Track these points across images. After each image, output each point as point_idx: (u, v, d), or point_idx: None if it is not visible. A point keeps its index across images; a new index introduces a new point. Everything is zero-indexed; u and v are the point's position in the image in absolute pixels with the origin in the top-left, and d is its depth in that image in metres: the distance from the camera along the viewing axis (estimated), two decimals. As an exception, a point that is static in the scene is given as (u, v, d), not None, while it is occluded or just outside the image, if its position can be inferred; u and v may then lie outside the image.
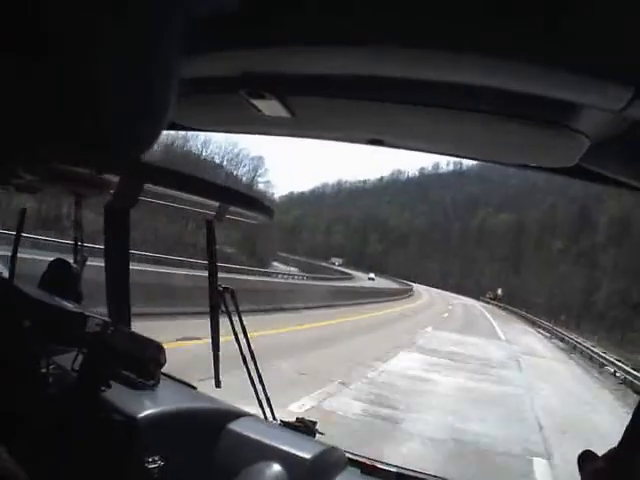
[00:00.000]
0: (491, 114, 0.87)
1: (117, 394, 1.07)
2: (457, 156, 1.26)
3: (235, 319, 1.44)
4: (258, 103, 0.99)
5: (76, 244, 1.63)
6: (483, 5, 0.62)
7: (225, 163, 47.45)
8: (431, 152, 1.23)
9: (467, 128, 0.97)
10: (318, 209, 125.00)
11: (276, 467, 1.11)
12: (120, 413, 1.03)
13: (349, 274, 55.45)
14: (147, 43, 0.42)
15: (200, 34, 0.70)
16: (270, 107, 1.00)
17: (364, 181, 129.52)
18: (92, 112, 0.41)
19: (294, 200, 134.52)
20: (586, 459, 0.70)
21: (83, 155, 0.45)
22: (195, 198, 0.66)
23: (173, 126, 1.34)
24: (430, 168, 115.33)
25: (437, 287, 64.56)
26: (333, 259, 79.35)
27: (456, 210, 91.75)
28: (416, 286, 51.57)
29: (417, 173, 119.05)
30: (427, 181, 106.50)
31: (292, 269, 43.14)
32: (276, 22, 0.72)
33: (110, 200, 1.07)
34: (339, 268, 68.13)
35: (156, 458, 1.03)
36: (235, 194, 0.55)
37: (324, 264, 68.55)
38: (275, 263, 46.08)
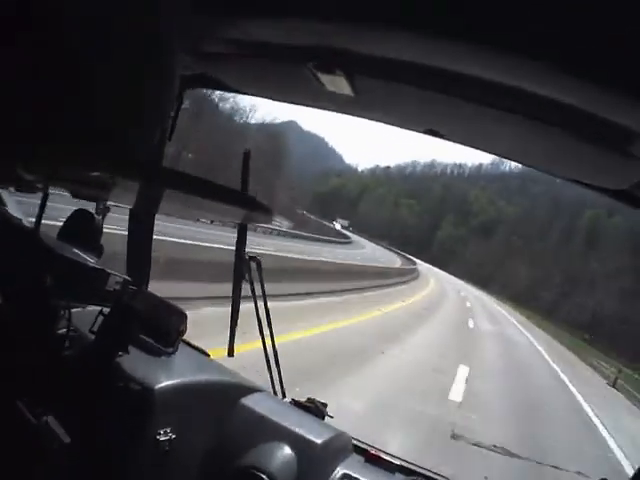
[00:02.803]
0: (552, 125, 0.95)
1: (134, 360, 1.14)
2: (510, 159, 1.36)
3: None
4: (324, 77, 1.07)
5: None
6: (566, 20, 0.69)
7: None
8: (486, 151, 1.32)
9: (526, 135, 1.07)
10: (398, 186, 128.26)
11: (286, 449, 1.22)
12: (136, 382, 1.10)
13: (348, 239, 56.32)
14: (145, 42, 0.46)
15: None
16: (336, 83, 1.08)
17: (460, 165, 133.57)
18: (89, 111, 0.45)
19: (377, 174, 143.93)
20: None
21: (82, 155, 0.49)
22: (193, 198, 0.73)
23: (223, 87, 1.46)
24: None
25: (523, 304, 50.59)
26: (339, 220, 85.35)
27: (559, 207, 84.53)
28: (489, 302, 41.18)
29: (519, 165, 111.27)
30: (529, 173, 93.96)
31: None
32: None
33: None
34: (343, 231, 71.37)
35: (167, 430, 1.10)
36: (235, 194, 0.59)
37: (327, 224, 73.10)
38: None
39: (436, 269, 61.14)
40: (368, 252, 48.41)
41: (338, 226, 77.75)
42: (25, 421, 0.92)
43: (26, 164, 0.49)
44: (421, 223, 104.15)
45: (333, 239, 50.87)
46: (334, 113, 1.43)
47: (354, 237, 67.15)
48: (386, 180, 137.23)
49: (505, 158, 1.37)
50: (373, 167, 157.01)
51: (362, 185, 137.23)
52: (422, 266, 51.29)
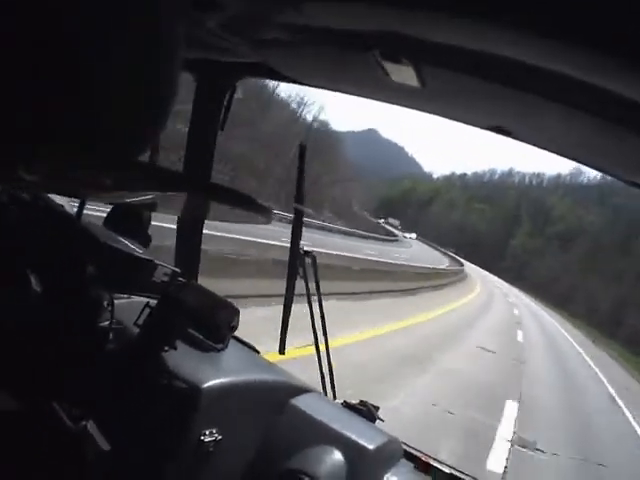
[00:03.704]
0: (625, 126, 0.91)
1: (182, 356, 1.13)
2: (578, 161, 1.31)
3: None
4: (390, 67, 1.03)
5: None
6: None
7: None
8: (551, 151, 1.27)
9: (597, 136, 1.04)
10: (471, 191, 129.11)
11: (336, 453, 1.21)
12: (183, 380, 1.10)
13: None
14: (148, 38, 0.47)
15: None
16: (402, 73, 1.05)
17: (538, 174, 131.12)
18: (91, 110, 0.46)
19: (452, 180, 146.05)
20: None
21: (82, 155, 0.49)
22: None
23: (281, 77, 1.43)
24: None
25: (604, 328, 44.00)
26: (390, 220, 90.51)
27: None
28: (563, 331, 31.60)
29: (598, 176, 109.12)
30: (608, 184, 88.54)
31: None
32: None
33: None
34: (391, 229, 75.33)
35: (213, 431, 1.10)
36: (232, 193, 0.59)
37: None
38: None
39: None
40: (413, 250, 49.34)
41: (386, 224, 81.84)
42: (62, 426, 0.90)
43: (27, 164, 0.49)
44: (493, 231, 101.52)
45: (377, 236, 52.34)
46: (401, 107, 1.40)
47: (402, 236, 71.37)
48: (460, 186, 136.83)
49: (573, 160, 1.32)
50: (449, 174, 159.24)
51: (433, 189, 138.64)
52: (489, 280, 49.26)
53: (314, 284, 1.59)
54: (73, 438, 0.90)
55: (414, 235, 72.81)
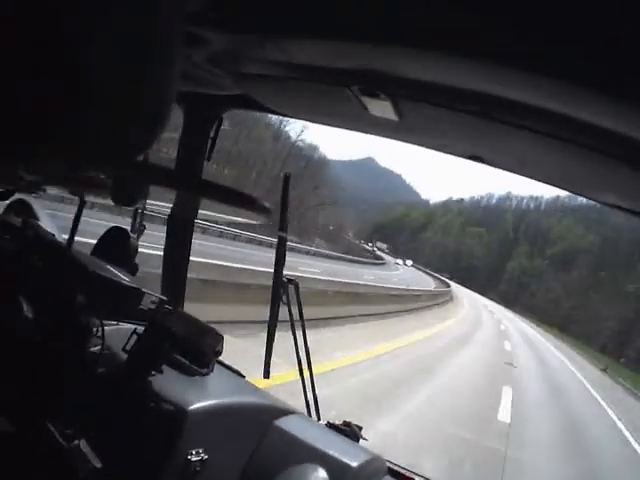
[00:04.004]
0: (594, 151, 0.96)
1: (168, 380, 1.18)
2: (554, 185, 1.36)
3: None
4: (368, 101, 1.09)
5: (136, 210, 1.74)
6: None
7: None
8: (528, 177, 1.32)
9: (569, 161, 1.09)
10: (466, 214, 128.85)
11: (320, 471, 1.24)
12: (169, 402, 1.14)
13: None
14: (146, 43, 0.48)
15: (314, 18, 0.83)
16: (380, 107, 1.10)
17: (536, 197, 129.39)
18: (91, 110, 0.47)
19: (448, 205, 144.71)
20: None
21: (82, 155, 0.51)
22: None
23: (264, 109, 1.48)
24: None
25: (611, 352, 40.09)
26: (378, 243, 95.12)
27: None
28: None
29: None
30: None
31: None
32: (399, 20, 0.81)
33: None
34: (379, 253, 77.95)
35: (200, 451, 1.12)
36: (234, 193, 0.60)
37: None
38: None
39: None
40: (398, 273, 50.05)
41: (373, 248, 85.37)
42: (56, 444, 0.94)
43: (27, 164, 0.51)
44: (490, 254, 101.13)
45: (364, 260, 54.47)
46: (380, 138, 1.46)
47: (390, 259, 74.54)
48: (457, 211, 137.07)
49: (548, 184, 1.38)
50: (446, 200, 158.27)
51: (428, 214, 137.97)
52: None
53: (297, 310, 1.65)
54: (66, 456, 0.94)
55: (410, 262, 73.13)
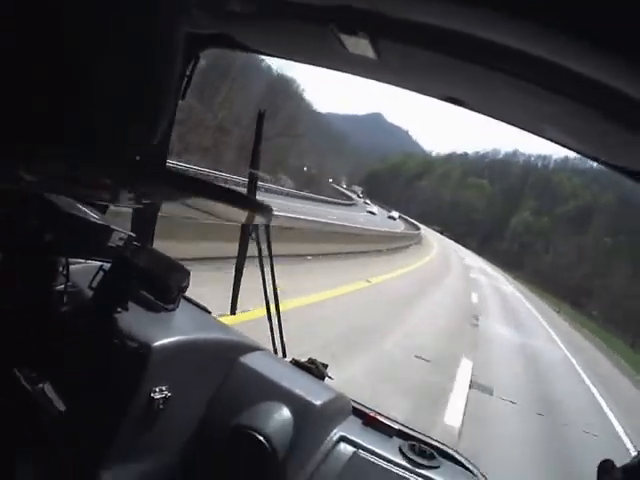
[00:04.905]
0: (576, 100, 0.96)
1: (133, 317, 1.16)
2: (532, 133, 1.35)
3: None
4: (347, 39, 1.10)
5: None
6: None
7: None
8: (505, 122, 1.33)
9: (549, 109, 1.09)
10: (467, 165, 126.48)
11: (284, 409, 1.27)
12: (134, 339, 1.15)
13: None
14: (147, 40, 0.49)
15: None
16: (359, 45, 1.11)
17: (544, 156, 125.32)
18: (88, 112, 0.48)
19: (452, 159, 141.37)
20: (604, 469, 0.84)
21: (82, 155, 0.51)
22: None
23: (242, 47, 1.48)
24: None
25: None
26: (354, 187, 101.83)
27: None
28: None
29: None
30: None
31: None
32: None
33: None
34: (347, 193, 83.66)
35: (163, 388, 1.14)
36: (234, 194, 0.62)
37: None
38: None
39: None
40: (365, 214, 53.23)
41: (342, 189, 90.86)
42: (21, 389, 0.94)
43: (27, 164, 0.51)
44: (491, 208, 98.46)
45: (332, 200, 56.90)
46: (359, 77, 1.46)
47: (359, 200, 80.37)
48: (458, 163, 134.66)
49: (526, 131, 1.38)
50: (449, 153, 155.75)
51: (425, 163, 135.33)
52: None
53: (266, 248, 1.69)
54: (32, 401, 0.96)
55: (396, 214, 70.67)
